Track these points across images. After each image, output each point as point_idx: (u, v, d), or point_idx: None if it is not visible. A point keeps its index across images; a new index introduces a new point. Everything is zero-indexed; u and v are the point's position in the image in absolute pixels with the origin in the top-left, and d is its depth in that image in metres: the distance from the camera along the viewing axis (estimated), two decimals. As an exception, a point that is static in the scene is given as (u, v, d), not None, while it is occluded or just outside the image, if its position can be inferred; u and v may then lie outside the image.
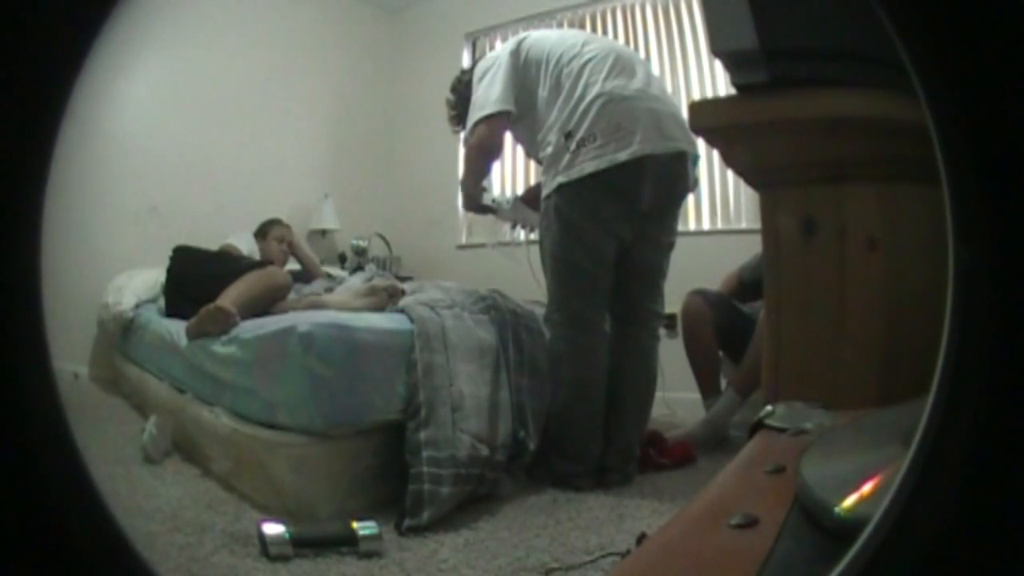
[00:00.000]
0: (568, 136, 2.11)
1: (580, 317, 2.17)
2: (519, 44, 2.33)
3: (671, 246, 2.30)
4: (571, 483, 2.08)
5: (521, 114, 2.29)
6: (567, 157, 2.11)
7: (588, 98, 2.12)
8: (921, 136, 0.30)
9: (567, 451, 2.14)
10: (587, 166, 2.07)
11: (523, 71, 2.28)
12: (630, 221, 2.15)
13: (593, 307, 2.18)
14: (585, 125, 2.10)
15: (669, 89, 3.70)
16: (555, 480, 2.10)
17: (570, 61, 2.20)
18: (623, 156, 2.04)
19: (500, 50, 2.39)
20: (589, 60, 2.18)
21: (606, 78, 2.14)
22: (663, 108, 2.16)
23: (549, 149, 2.18)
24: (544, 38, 2.34)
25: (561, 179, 2.12)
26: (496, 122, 2.28)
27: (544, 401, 2.20)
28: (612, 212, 2.11)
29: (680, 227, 2.80)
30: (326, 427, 1.82)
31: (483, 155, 2.37)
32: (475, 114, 2.31)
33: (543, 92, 2.24)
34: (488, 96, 2.29)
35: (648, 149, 2.05)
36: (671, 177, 2.15)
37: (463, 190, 2.47)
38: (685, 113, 2.39)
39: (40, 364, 0.30)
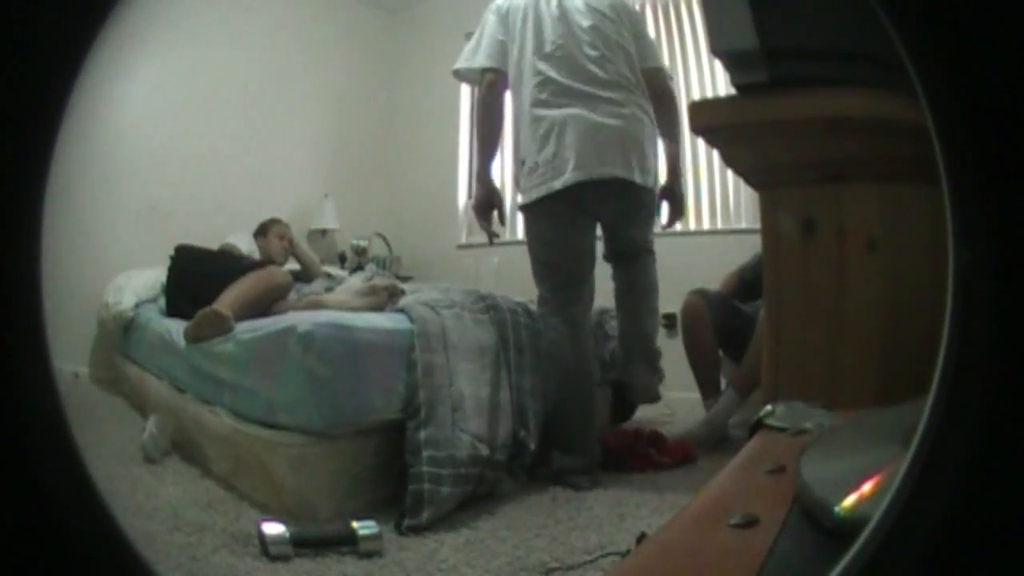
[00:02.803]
0: (522, 164, 2.27)
1: (563, 309, 2.23)
2: (506, 12, 2.35)
3: (650, 217, 2.38)
4: (572, 480, 2.08)
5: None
6: (522, 181, 2.26)
7: (528, 121, 2.22)
8: (921, 136, 0.30)
9: (566, 445, 2.16)
10: (532, 193, 2.21)
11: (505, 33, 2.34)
12: (588, 215, 2.24)
13: (575, 299, 2.25)
14: (531, 154, 2.21)
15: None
16: (557, 476, 2.11)
17: (519, 79, 2.26)
18: (558, 185, 2.15)
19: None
20: (540, 82, 2.21)
21: (548, 103, 2.19)
22: (603, 131, 2.18)
23: (515, 168, 2.34)
24: (518, 19, 2.31)
25: (520, 200, 2.29)
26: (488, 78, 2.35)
27: (543, 400, 2.21)
28: (572, 219, 2.22)
29: (680, 227, 2.82)
30: (326, 427, 1.82)
31: (483, 111, 2.40)
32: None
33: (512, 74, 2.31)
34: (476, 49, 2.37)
35: (581, 176, 2.14)
36: (616, 196, 2.22)
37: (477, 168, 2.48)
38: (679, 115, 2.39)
39: (40, 364, 0.30)
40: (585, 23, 2.25)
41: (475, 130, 2.48)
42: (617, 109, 2.21)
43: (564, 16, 2.25)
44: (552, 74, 2.20)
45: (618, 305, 2.43)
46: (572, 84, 2.19)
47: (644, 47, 2.36)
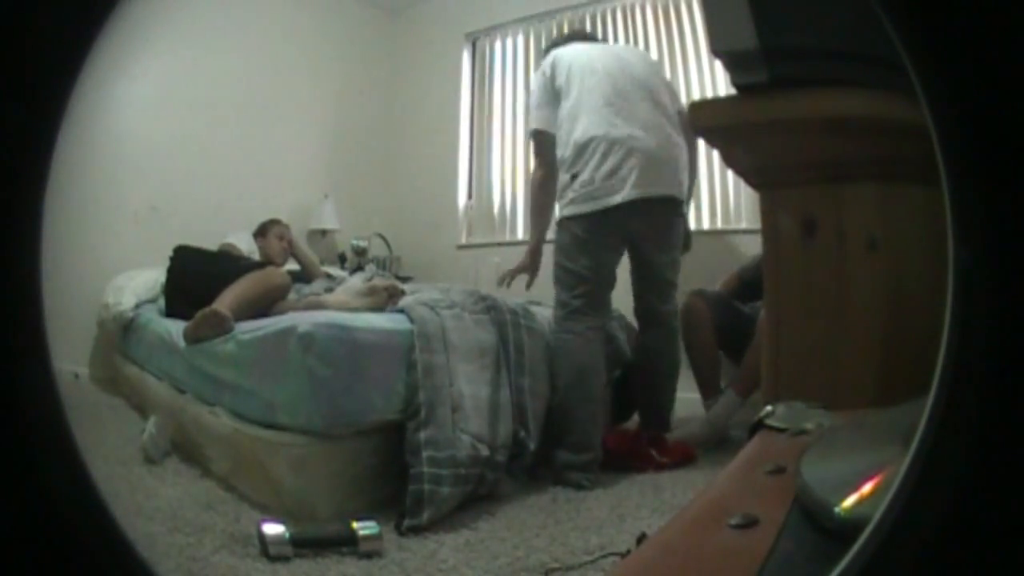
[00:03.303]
0: (574, 177, 2.35)
1: (578, 311, 2.33)
2: (552, 67, 2.50)
3: (678, 244, 2.52)
4: (574, 478, 2.10)
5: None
6: (570, 194, 2.36)
7: (584, 140, 2.34)
8: (921, 136, 0.30)
9: (570, 441, 2.19)
10: (584, 207, 2.32)
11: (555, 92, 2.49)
12: (625, 239, 2.40)
13: (591, 304, 2.34)
14: (586, 168, 2.32)
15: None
16: (560, 474, 2.14)
17: (578, 107, 2.38)
18: (616, 199, 2.28)
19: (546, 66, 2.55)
20: (593, 104, 2.35)
21: (603, 122, 2.32)
22: (658, 152, 2.33)
23: (562, 179, 2.44)
24: (571, 67, 2.45)
25: (565, 212, 2.39)
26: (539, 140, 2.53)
27: (544, 400, 2.22)
28: (606, 236, 2.34)
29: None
30: (326, 427, 1.82)
31: (536, 195, 2.63)
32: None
33: (561, 119, 2.45)
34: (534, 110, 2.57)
35: (637, 194, 2.28)
36: (658, 214, 2.37)
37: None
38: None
39: (40, 364, 0.30)
40: (637, 72, 2.46)
41: (530, 209, 2.77)
42: (668, 141, 2.38)
43: (622, 68, 2.44)
44: (610, 109, 2.35)
45: (641, 353, 2.61)
46: (633, 112, 2.35)
47: (672, 95, 2.55)
